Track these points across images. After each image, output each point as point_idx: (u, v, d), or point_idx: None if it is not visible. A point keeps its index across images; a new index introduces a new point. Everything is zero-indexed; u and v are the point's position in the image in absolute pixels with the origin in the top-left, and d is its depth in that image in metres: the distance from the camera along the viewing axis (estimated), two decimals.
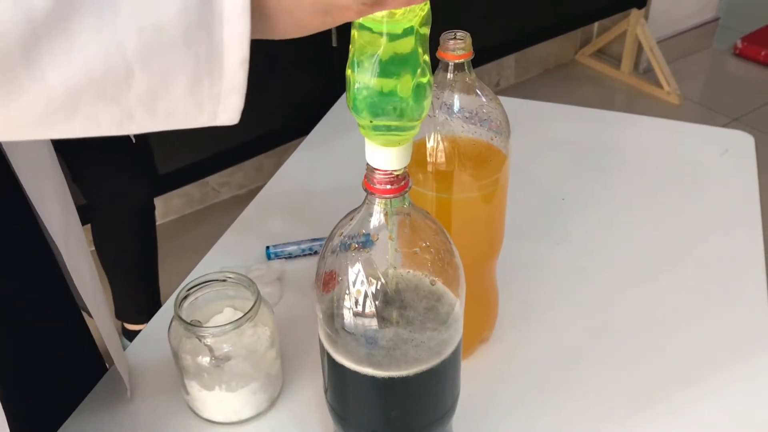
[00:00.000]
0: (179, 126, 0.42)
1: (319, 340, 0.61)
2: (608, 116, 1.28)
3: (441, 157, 0.69)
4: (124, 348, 0.82)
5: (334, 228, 0.58)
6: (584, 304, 0.89)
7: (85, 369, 0.81)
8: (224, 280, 0.75)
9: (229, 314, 0.73)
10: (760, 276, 0.91)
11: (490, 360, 0.82)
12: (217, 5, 0.38)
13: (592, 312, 0.88)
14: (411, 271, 0.59)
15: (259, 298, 0.71)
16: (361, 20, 0.46)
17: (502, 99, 0.73)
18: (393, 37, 0.47)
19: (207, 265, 0.94)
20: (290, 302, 0.90)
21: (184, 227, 2.42)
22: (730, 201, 1.05)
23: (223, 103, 0.41)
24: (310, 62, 2.16)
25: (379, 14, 0.45)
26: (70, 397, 0.77)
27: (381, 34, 0.46)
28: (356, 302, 0.56)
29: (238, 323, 0.70)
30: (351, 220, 0.57)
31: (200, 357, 0.71)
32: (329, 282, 0.58)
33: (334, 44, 2.09)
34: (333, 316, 0.58)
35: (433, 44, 0.55)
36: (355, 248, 0.56)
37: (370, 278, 0.56)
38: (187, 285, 0.74)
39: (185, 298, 0.73)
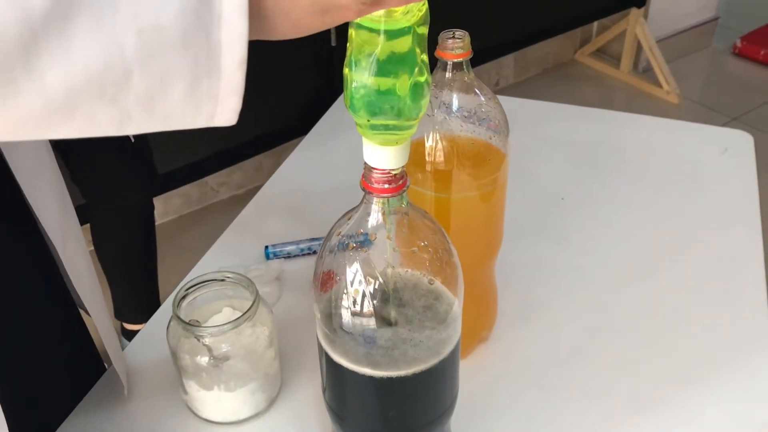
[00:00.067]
0: (177, 127, 0.42)
1: (317, 340, 0.61)
2: (607, 116, 1.28)
3: (440, 157, 0.69)
4: (123, 348, 0.82)
5: (332, 227, 0.58)
6: (583, 304, 0.89)
7: (83, 369, 0.80)
8: (223, 280, 0.74)
9: (227, 314, 0.73)
10: (759, 275, 0.91)
11: (489, 359, 0.82)
12: (215, 6, 0.38)
13: (591, 311, 0.88)
14: (409, 270, 0.58)
15: (257, 298, 0.71)
16: (358, 19, 0.46)
17: (502, 98, 0.73)
18: (390, 36, 0.47)
19: (206, 265, 0.94)
20: (289, 302, 0.90)
21: (183, 227, 2.42)
22: (729, 200, 1.05)
23: (221, 104, 0.41)
24: (309, 62, 2.16)
25: (377, 13, 0.45)
26: (69, 397, 0.77)
27: (378, 33, 0.46)
28: (354, 302, 0.56)
29: (236, 323, 0.69)
30: (349, 219, 0.56)
31: (199, 357, 0.71)
32: (327, 281, 0.58)
33: (333, 44, 2.09)
34: (331, 315, 0.58)
35: (432, 43, 0.55)
36: (353, 248, 0.56)
37: (368, 278, 0.56)
38: (185, 285, 0.73)
39: (184, 297, 0.73)
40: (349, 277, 0.56)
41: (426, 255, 0.58)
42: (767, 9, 3.45)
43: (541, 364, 0.81)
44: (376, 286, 0.56)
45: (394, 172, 0.53)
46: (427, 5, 0.48)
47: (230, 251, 0.97)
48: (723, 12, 3.37)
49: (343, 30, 0.48)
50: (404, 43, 0.47)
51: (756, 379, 0.79)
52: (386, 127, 0.50)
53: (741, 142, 1.16)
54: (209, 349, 0.70)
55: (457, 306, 0.59)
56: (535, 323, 0.86)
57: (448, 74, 0.68)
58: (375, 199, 0.54)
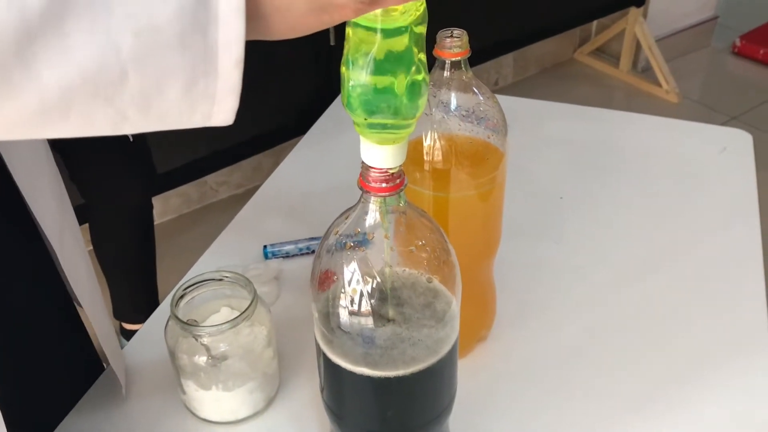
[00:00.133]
0: (174, 126, 0.42)
1: (315, 340, 0.61)
2: (607, 115, 1.28)
3: (438, 156, 0.69)
4: (122, 347, 0.82)
5: (330, 227, 0.58)
6: (582, 303, 0.88)
7: (82, 369, 0.80)
8: (221, 280, 0.74)
9: (225, 314, 0.73)
10: (758, 273, 0.91)
11: (488, 359, 0.81)
12: (212, 6, 0.38)
13: (590, 311, 0.87)
14: (407, 269, 0.58)
15: (255, 298, 0.71)
16: (356, 18, 0.46)
17: (501, 98, 0.73)
18: (387, 35, 0.46)
19: (204, 265, 0.94)
20: (288, 301, 0.90)
21: (183, 227, 2.42)
22: (728, 199, 1.05)
23: (217, 104, 0.41)
24: (308, 61, 2.16)
25: (375, 12, 0.45)
26: (67, 396, 0.77)
27: (375, 31, 0.46)
28: (352, 301, 0.56)
29: (234, 322, 0.69)
30: (347, 218, 0.56)
31: (197, 356, 0.70)
32: (325, 281, 0.57)
33: (332, 43, 2.09)
34: (329, 315, 0.58)
35: (430, 42, 0.55)
36: (351, 247, 0.56)
37: (365, 277, 0.56)
38: (183, 284, 0.73)
39: (182, 297, 0.73)
40: (347, 276, 0.56)
41: (424, 254, 0.58)
42: (766, 8, 3.45)
43: (539, 363, 0.81)
44: (374, 285, 0.56)
45: (391, 171, 0.53)
46: (425, 4, 0.47)
47: (229, 251, 0.97)
48: (722, 11, 3.37)
49: (342, 30, 0.48)
50: (401, 42, 0.47)
51: (755, 379, 0.78)
52: (384, 126, 0.50)
53: (740, 141, 1.16)
54: (207, 349, 0.70)
55: (455, 305, 0.59)
56: (534, 323, 0.86)
57: (446, 73, 0.68)
58: (372, 198, 0.54)
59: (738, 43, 3.31)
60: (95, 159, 1.59)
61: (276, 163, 1.15)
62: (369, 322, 0.56)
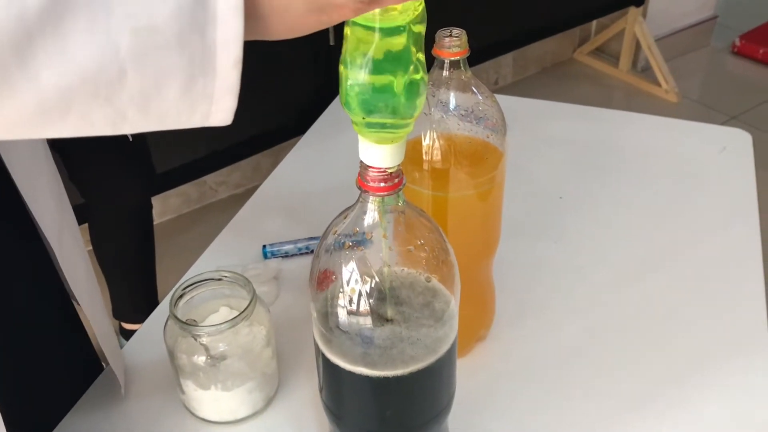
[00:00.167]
0: (172, 126, 0.42)
1: (314, 340, 0.61)
2: (606, 114, 1.28)
3: (437, 155, 0.69)
4: (121, 347, 0.82)
5: (329, 226, 0.58)
6: (582, 303, 0.88)
7: (81, 369, 0.80)
8: (220, 279, 0.74)
9: (224, 313, 0.73)
10: (757, 272, 0.91)
11: (487, 358, 0.81)
12: (210, 6, 0.38)
13: (589, 310, 0.87)
14: (405, 269, 0.58)
15: (254, 297, 0.71)
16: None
17: (500, 97, 0.73)
18: (386, 34, 0.46)
19: (203, 265, 0.94)
20: (287, 301, 0.90)
21: (182, 226, 2.42)
22: (727, 199, 1.05)
23: (216, 104, 0.41)
24: (307, 61, 2.16)
25: (373, 11, 0.45)
26: (66, 396, 0.77)
27: (374, 30, 0.46)
28: (350, 300, 0.56)
29: (233, 322, 0.69)
30: (345, 218, 0.56)
31: (196, 356, 0.70)
32: (324, 281, 0.57)
33: (332, 43, 2.08)
34: (327, 314, 0.58)
35: (429, 41, 0.55)
36: (350, 246, 0.56)
37: (364, 276, 0.56)
38: (182, 284, 0.73)
39: (181, 297, 0.73)
40: (346, 276, 0.56)
41: (422, 253, 0.58)
42: (766, 7, 3.45)
43: (539, 363, 0.81)
44: (372, 285, 0.56)
45: (389, 171, 0.53)
46: (423, 4, 0.47)
47: (228, 250, 0.97)
48: (722, 11, 3.37)
49: (341, 30, 0.48)
50: (399, 41, 0.47)
51: (755, 378, 0.78)
52: (382, 126, 0.50)
53: (739, 141, 1.16)
54: (206, 349, 0.70)
55: (454, 304, 0.59)
56: (534, 322, 0.86)
57: (445, 73, 0.68)
58: (371, 198, 0.54)
59: (737, 42, 3.31)
60: (95, 159, 1.59)
61: (275, 163, 1.15)
62: (367, 321, 0.56)
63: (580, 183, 1.09)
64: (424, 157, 0.69)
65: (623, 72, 3.17)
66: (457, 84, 0.69)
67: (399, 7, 0.46)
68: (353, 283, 0.56)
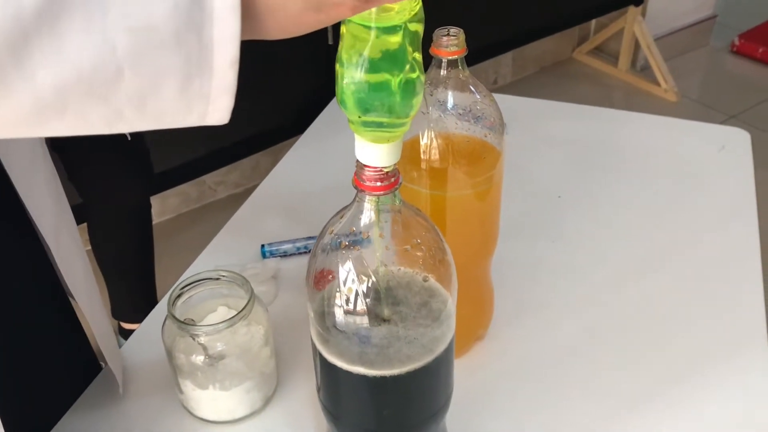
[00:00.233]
0: (169, 125, 0.42)
1: (311, 339, 0.61)
2: (605, 114, 1.28)
3: (435, 154, 0.69)
4: (120, 347, 0.82)
5: (325, 226, 0.58)
6: (580, 302, 0.88)
7: (79, 368, 0.80)
8: (218, 279, 0.74)
9: (222, 313, 0.73)
10: (756, 271, 0.91)
11: (486, 358, 0.81)
12: (207, 5, 0.38)
13: (587, 310, 0.87)
14: (402, 268, 0.58)
15: (252, 297, 0.71)
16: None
17: (499, 97, 0.73)
18: (382, 33, 0.46)
19: (202, 264, 0.94)
20: (285, 301, 0.90)
21: (181, 226, 2.41)
22: (726, 198, 1.05)
23: (213, 103, 0.41)
24: (305, 60, 2.15)
25: (369, 10, 0.45)
26: (65, 396, 0.77)
27: (370, 29, 0.46)
28: (347, 300, 0.56)
29: (231, 322, 0.69)
30: (341, 217, 0.56)
31: (194, 356, 0.70)
32: (321, 280, 0.57)
33: (330, 42, 2.08)
34: (325, 314, 0.58)
35: (427, 41, 0.55)
36: (346, 246, 0.56)
37: (361, 276, 0.56)
38: (180, 284, 0.73)
39: (179, 296, 0.73)
40: (342, 275, 0.56)
41: (419, 253, 0.58)
42: (765, 7, 3.45)
43: (537, 362, 0.81)
44: (369, 284, 0.56)
45: (386, 170, 0.53)
46: (420, 3, 0.47)
47: (227, 250, 0.97)
48: (721, 10, 3.37)
49: (339, 28, 0.47)
50: (396, 40, 0.47)
51: (754, 378, 0.78)
52: (379, 125, 0.50)
53: (738, 140, 1.16)
54: (204, 348, 0.70)
55: (451, 303, 0.59)
56: (532, 322, 0.86)
57: (443, 72, 0.68)
58: (367, 197, 0.54)
59: (737, 41, 3.31)
60: (93, 158, 1.59)
61: (274, 163, 1.15)
62: (364, 321, 0.56)
63: (579, 182, 1.09)
64: (422, 156, 0.69)
65: (622, 71, 3.17)
66: (454, 83, 0.68)
67: (396, 6, 0.46)
68: (350, 283, 0.56)
